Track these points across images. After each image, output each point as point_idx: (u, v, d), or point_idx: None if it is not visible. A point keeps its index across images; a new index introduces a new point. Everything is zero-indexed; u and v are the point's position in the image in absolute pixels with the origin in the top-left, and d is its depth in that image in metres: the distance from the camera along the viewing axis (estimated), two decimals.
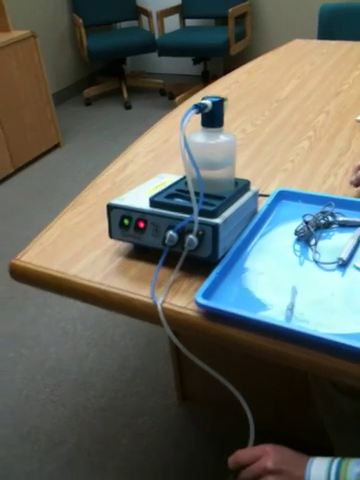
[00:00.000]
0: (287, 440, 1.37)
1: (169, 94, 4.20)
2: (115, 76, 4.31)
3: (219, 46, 3.66)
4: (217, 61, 4.24)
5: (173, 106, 3.80)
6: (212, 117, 0.86)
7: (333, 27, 2.41)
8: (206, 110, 0.84)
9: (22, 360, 1.76)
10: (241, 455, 0.81)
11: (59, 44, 4.11)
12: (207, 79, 4.02)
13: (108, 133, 3.59)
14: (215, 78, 1.90)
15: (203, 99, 0.85)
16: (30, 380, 1.68)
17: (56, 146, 3.39)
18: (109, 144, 3.38)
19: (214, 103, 0.84)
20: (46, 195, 2.84)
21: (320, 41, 2.23)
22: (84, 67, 4.41)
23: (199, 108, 0.83)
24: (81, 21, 3.76)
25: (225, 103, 0.87)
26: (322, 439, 1.15)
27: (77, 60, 4.32)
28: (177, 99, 3.86)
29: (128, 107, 4.04)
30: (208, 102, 0.84)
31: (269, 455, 0.77)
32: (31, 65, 3.06)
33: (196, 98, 1.70)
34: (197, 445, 1.43)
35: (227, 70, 2.26)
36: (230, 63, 4.06)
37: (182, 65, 4.45)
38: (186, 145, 0.78)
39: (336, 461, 0.74)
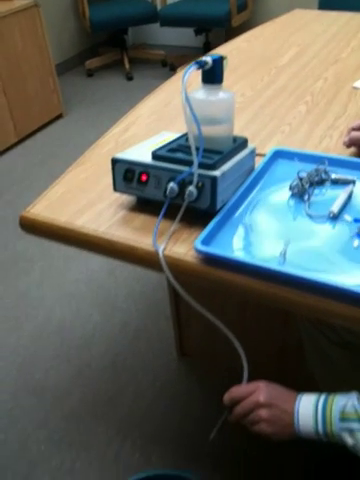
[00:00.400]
0: None
1: (170, 65, 4.20)
2: (117, 47, 4.30)
3: (221, 17, 3.65)
4: (218, 32, 4.22)
5: None
6: (212, 74, 0.90)
7: None
8: (206, 67, 0.88)
9: (28, 320, 1.82)
10: (235, 391, 0.87)
11: (62, 15, 4.09)
12: (208, 50, 3.99)
13: (110, 104, 3.61)
14: None
15: (204, 57, 0.89)
16: (36, 338, 1.74)
17: (59, 116, 3.41)
18: (111, 114, 3.40)
19: (214, 60, 0.88)
20: (49, 164, 2.88)
21: (320, 11, 2.25)
22: (86, 38, 4.39)
23: (200, 64, 0.87)
24: None
25: (225, 61, 0.91)
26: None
27: (79, 31, 4.30)
28: (178, 70, 3.86)
29: (130, 78, 4.05)
30: (208, 59, 0.88)
31: (261, 390, 0.83)
32: (34, 35, 3.06)
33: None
34: (195, 397, 1.50)
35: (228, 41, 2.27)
36: (231, 34, 4.02)
37: (184, 36, 4.44)
38: (187, 100, 0.82)
39: (323, 396, 0.79)
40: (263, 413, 0.80)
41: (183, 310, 1.55)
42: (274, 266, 0.77)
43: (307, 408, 0.78)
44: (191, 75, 0.85)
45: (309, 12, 2.23)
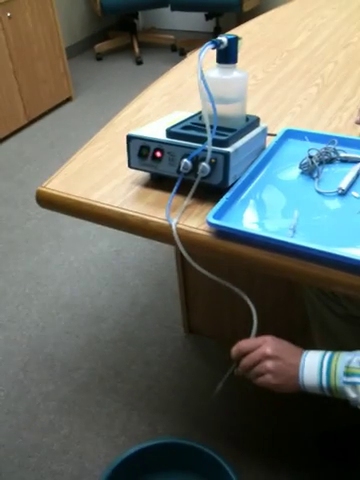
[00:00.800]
0: None
1: (180, 50, 4.19)
2: (127, 31, 4.29)
3: (232, 1, 3.64)
4: (229, 17, 4.21)
5: None
6: (227, 54, 0.92)
7: None
8: (222, 46, 0.90)
9: (38, 296, 1.86)
10: (243, 344, 0.89)
11: None
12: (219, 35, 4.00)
13: (119, 88, 3.62)
14: None
15: (219, 36, 0.91)
16: (45, 314, 1.78)
17: (68, 99, 3.43)
18: (120, 98, 3.41)
19: (229, 40, 0.91)
20: (58, 147, 2.90)
21: None
22: (96, 22, 4.39)
23: (215, 44, 0.89)
24: None
25: (239, 41, 0.93)
26: None
27: (90, 15, 4.30)
28: (188, 55, 3.86)
29: (139, 63, 4.05)
30: (224, 38, 0.90)
31: (269, 343, 0.85)
32: (45, 18, 3.07)
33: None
34: (201, 372, 1.54)
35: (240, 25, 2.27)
36: (242, 19, 4.01)
37: (194, 21, 4.42)
38: (203, 78, 0.85)
39: (329, 352, 0.81)
40: (269, 364, 0.82)
41: (190, 288, 1.59)
42: (284, 238, 0.80)
43: (313, 362, 0.81)
44: (206, 56, 0.87)
45: None
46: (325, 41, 1.69)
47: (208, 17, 3.94)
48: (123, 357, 1.61)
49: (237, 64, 0.94)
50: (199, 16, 4.05)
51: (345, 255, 0.75)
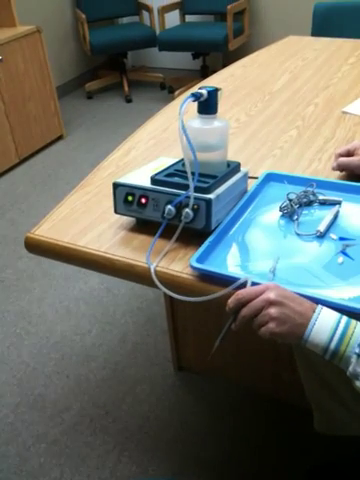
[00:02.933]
0: (283, 404, 1.50)
1: (169, 88, 4.30)
2: (116, 70, 4.40)
3: (218, 41, 3.76)
4: (216, 56, 4.34)
5: (172, 100, 3.88)
6: (207, 105, 0.96)
7: (326, 24, 2.51)
8: (202, 98, 0.95)
9: (29, 336, 1.87)
10: (242, 293, 0.78)
11: (62, 39, 4.20)
12: (206, 73, 4.12)
13: (109, 126, 3.69)
14: (214, 72, 2.00)
15: (200, 89, 0.96)
16: (36, 354, 1.79)
17: (59, 138, 3.49)
18: (110, 136, 3.48)
19: (209, 92, 0.95)
20: (50, 184, 2.95)
21: (313, 38, 2.34)
22: (86, 61, 4.50)
23: (196, 96, 0.94)
24: (84, 16, 3.86)
25: (219, 92, 0.98)
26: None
27: (79, 54, 4.41)
28: (176, 93, 3.96)
29: (129, 100, 4.14)
30: (204, 91, 0.95)
31: (272, 289, 0.76)
32: (36, 59, 3.16)
33: (195, 89, 1.80)
34: (191, 410, 1.54)
35: (226, 65, 2.34)
36: (228, 58, 4.15)
37: (182, 60, 4.55)
38: (184, 129, 0.89)
39: (345, 317, 0.75)
40: (273, 311, 0.74)
41: (180, 325, 1.60)
42: (263, 281, 0.83)
43: (328, 319, 0.74)
44: (189, 102, 0.92)
45: (302, 38, 2.32)
46: (306, 83, 1.75)
47: (195, 56, 4.06)
48: (113, 396, 1.61)
49: (219, 109, 0.98)
50: (187, 55, 4.18)
51: (321, 298, 0.78)
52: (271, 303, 0.75)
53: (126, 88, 4.23)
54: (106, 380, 1.66)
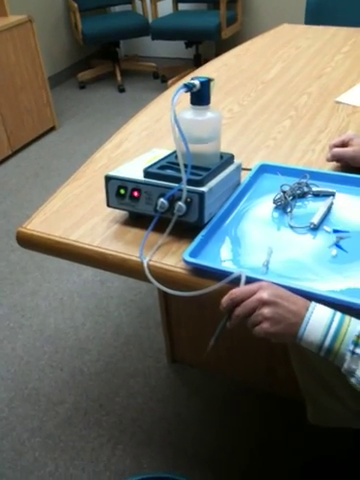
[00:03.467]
0: (276, 398, 1.50)
1: (162, 77, 4.26)
2: (109, 60, 4.36)
3: (211, 30, 3.72)
4: (209, 45, 4.30)
5: (166, 89, 3.85)
6: (200, 96, 0.95)
7: (320, 12, 2.49)
8: (194, 89, 0.93)
9: (22, 330, 1.86)
10: (236, 292, 0.78)
11: (54, 28, 4.15)
12: (199, 62, 4.08)
13: (102, 116, 3.66)
14: (207, 61, 1.97)
15: (192, 79, 0.94)
16: (30, 348, 1.78)
17: (52, 129, 3.46)
18: (103, 126, 3.45)
19: (202, 83, 0.94)
20: (43, 176, 2.92)
21: (307, 26, 2.31)
22: (78, 51, 4.45)
23: (188, 87, 0.92)
24: (76, 5, 3.81)
25: (212, 83, 0.97)
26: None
27: (72, 44, 4.37)
28: (169, 82, 3.93)
29: (122, 90, 4.11)
30: (196, 82, 0.93)
31: (265, 288, 0.76)
32: (27, 49, 3.12)
33: (188, 79, 1.78)
34: (184, 403, 1.54)
35: (219, 53, 2.32)
36: (222, 47, 4.12)
37: (175, 49, 4.51)
38: (176, 120, 0.88)
39: (339, 314, 0.74)
40: (266, 311, 0.74)
41: (173, 317, 1.60)
42: (258, 275, 0.82)
43: (321, 318, 0.73)
44: (181, 93, 0.90)
45: (296, 27, 2.30)
46: (299, 72, 1.74)
47: (188, 45, 4.02)
48: (107, 389, 1.61)
49: (212, 100, 0.96)
50: (180, 44, 4.14)
51: (313, 291, 0.78)
52: (264, 303, 0.75)
53: (119, 78, 4.19)
54: (100, 373, 1.66)
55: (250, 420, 1.49)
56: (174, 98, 0.88)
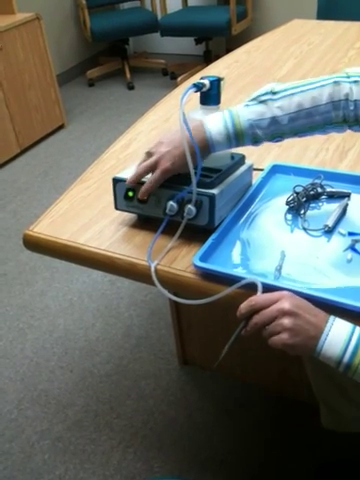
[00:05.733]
0: (289, 400, 1.48)
1: (171, 74, 4.23)
2: (118, 57, 4.34)
3: (221, 26, 3.68)
4: (219, 41, 4.26)
5: (175, 86, 3.83)
6: (209, 95, 0.93)
7: (331, 7, 2.44)
8: (204, 89, 0.91)
9: (32, 330, 1.85)
10: (256, 299, 0.76)
11: (63, 25, 4.14)
12: (209, 59, 4.04)
13: (111, 113, 3.64)
14: (217, 57, 1.94)
15: (201, 79, 0.92)
16: (39, 349, 1.77)
17: (61, 127, 3.44)
18: (112, 124, 3.43)
19: (212, 82, 0.91)
20: (52, 175, 2.91)
21: (318, 21, 2.28)
22: (87, 48, 4.43)
23: (197, 87, 0.90)
24: (84, 2, 3.78)
25: (222, 82, 0.94)
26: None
27: (80, 41, 4.34)
28: (179, 79, 3.89)
29: (131, 87, 4.08)
30: (206, 81, 0.91)
31: (286, 298, 0.74)
32: (36, 47, 3.10)
33: (198, 76, 1.76)
34: (196, 405, 1.52)
35: (229, 49, 2.29)
36: (232, 42, 4.08)
37: (184, 45, 4.47)
38: (185, 121, 0.85)
39: (358, 328, 0.73)
40: (286, 322, 0.71)
41: (184, 318, 1.58)
42: (268, 281, 0.79)
43: (340, 333, 0.72)
44: (190, 93, 0.88)
45: (307, 22, 2.26)
46: (312, 69, 1.70)
47: (198, 41, 3.98)
48: (118, 391, 1.59)
49: (223, 97, 0.94)
50: (189, 40, 4.10)
51: (329, 298, 0.75)
52: (285, 313, 0.72)
53: (128, 75, 4.16)
54: (110, 375, 1.64)
55: (263, 423, 1.46)
56: (183, 98, 0.86)
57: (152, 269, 0.87)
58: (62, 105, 3.41)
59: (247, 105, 0.90)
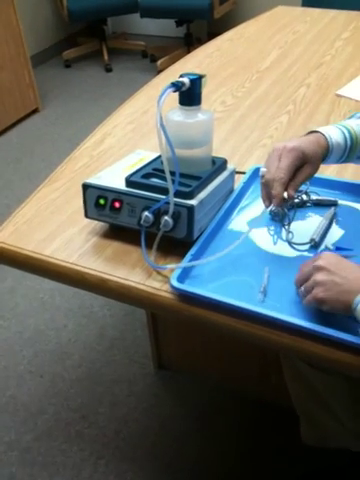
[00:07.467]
0: (269, 407, 1.43)
1: (151, 57, 4.10)
2: (96, 37, 4.18)
3: (203, 8, 3.56)
4: (201, 23, 4.14)
5: (155, 69, 3.72)
6: (190, 95, 0.84)
7: None
8: (184, 88, 0.82)
9: (0, 331, 1.76)
10: (303, 264, 0.76)
11: (37, 3, 3.95)
12: (190, 42, 3.93)
13: (88, 97, 3.51)
14: (198, 41, 1.86)
15: (181, 77, 0.83)
16: (8, 351, 1.68)
17: (35, 111, 3.30)
18: (89, 109, 3.31)
19: (192, 81, 0.83)
20: (25, 162, 2.79)
21: (304, 8, 2.19)
22: (63, 28, 4.26)
23: (176, 86, 0.81)
24: None
25: (203, 80, 0.85)
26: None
27: (56, 20, 4.17)
28: (159, 62, 3.77)
29: (109, 70, 3.94)
30: (186, 80, 0.82)
31: (323, 256, 0.73)
32: (8, 25, 2.95)
33: (178, 65, 1.67)
34: (171, 412, 1.46)
35: (211, 33, 2.20)
36: (214, 26, 3.96)
37: (165, 26, 4.34)
38: (162, 126, 0.77)
39: None
40: (319, 277, 0.70)
41: (160, 320, 1.51)
42: (253, 307, 0.73)
43: None
44: (169, 93, 0.79)
45: (292, 9, 2.18)
46: (297, 60, 1.63)
47: (178, 24, 3.86)
48: (89, 398, 1.52)
49: (204, 90, 0.85)
50: (170, 22, 3.97)
51: (318, 330, 0.69)
52: (319, 269, 0.71)
53: (106, 56, 4.02)
54: (82, 380, 1.57)
55: (241, 430, 1.41)
56: (160, 99, 0.77)
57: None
58: (36, 88, 3.27)
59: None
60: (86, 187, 0.87)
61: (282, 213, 0.92)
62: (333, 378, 1.00)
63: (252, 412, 1.45)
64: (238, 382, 1.51)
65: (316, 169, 0.84)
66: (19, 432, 1.44)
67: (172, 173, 0.77)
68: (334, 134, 0.85)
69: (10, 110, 3.09)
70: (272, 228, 0.92)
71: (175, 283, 0.76)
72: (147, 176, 0.87)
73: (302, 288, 0.73)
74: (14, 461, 1.37)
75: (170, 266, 0.81)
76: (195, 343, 1.53)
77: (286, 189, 0.81)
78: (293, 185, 0.82)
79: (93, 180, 0.88)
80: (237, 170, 1.02)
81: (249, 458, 1.35)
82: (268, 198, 0.83)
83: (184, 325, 1.48)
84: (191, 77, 0.83)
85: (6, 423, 1.47)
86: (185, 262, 0.80)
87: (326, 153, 0.84)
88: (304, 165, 0.83)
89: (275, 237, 0.90)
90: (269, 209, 0.91)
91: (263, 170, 0.84)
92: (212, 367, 1.53)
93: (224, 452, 1.37)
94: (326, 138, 0.84)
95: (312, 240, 0.87)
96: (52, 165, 1.08)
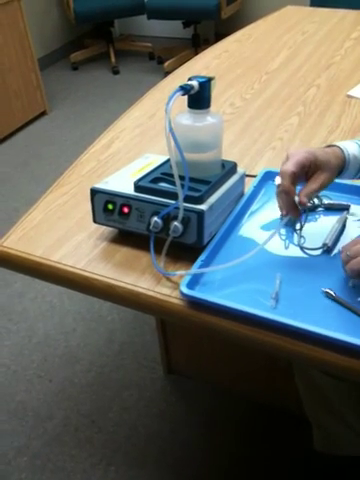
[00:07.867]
0: (278, 412, 1.41)
1: (158, 58, 4.09)
2: (103, 39, 4.18)
3: (210, 9, 3.55)
4: (208, 24, 4.12)
5: (162, 71, 3.71)
6: (199, 98, 0.83)
7: None
8: (192, 91, 0.81)
9: (9, 335, 1.75)
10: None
11: (45, 6, 3.96)
12: (197, 43, 3.92)
13: (95, 99, 3.51)
14: (206, 42, 1.84)
15: (189, 79, 0.82)
16: (17, 355, 1.68)
17: (42, 113, 3.30)
18: (96, 111, 3.30)
19: (201, 84, 0.81)
20: (33, 165, 2.79)
21: (312, 8, 2.17)
22: (70, 30, 4.27)
23: (185, 90, 0.80)
24: None
25: (212, 82, 0.84)
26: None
27: (63, 23, 4.18)
28: (166, 64, 3.76)
29: (116, 72, 3.94)
30: (195, 83, 0.81)
31: None
32: (15, 29, 2.95)
33: (186, 67, 1.65)
34: (181, 418, 1.45)
35: (218, 34, 2.18)
36: (221, 27, 3.95)
37: (172, 28, 4.33)
38: (171, 130, 0.75)
39: None
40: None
41: (169, 325, 1.49)
42: (265, 313, 0.71)
43: None
44: (177, 96, 0.78)
45: (301, 9, 2.16)
46: (306, 61, 1.61)
47: (186, 25, 3.85)
48: (99, 403, 1.51)
49: (212, 92, 0.84)
50: (177, 23, 3.96)
51: (332, 336, 0.67)
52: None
53: (113, 59, 4.02)
54: (91, 385, 1.56)
55: (251, 436, 1.40)
56: (168, 104, 0.76)
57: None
58: (44, 90, 3.27)
59: None
60: (94, 192, 0.86)
61: (293, 218, 0.91)
62: (346, 385, 0.99)
63: (261, 417, 1.44)
64: (247, 387, 1.50)
65: (331, 178, 0.82)
66: (28, 437, 1.43)
67: (181, 177, 0.76)
68: (351, 148, 0.84)
69: (18, 113, 3.09)
70: (283, 232, 0.90)
71: (185, 290, 0.75)
72: (156, 181, 0.86)
73: (348, 252, 0.73)
74: (24, 467, 1.37)
75: (180, 272, 0.80)
76: (204, 348, 1.51)
77: (298, 195, 0.79)
78: (305, 192, 0.80)
79: (101, 185, 0.87)
80: (247, 173, 1.00)
81: (259, 463, 1.33)
82: (285, 206, 0.81)
83: (193, 330, 1.47)
84: (200, 80, 0.81)
85: (15, 428, 1.46)
86: (195, 268, 0.79)
87: (342, 165, 0.83)
88: (317, 172, 0.81)
89: (287, 242, 0.88)
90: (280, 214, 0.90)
91: (278, 179, 0.82)
92: (221, 372, 1.52)
93: (233, 459, 1.35)
94: (342, 150, 0.83)
95: (325, 245, 0.85)
96: (59, 168, 1.08)
